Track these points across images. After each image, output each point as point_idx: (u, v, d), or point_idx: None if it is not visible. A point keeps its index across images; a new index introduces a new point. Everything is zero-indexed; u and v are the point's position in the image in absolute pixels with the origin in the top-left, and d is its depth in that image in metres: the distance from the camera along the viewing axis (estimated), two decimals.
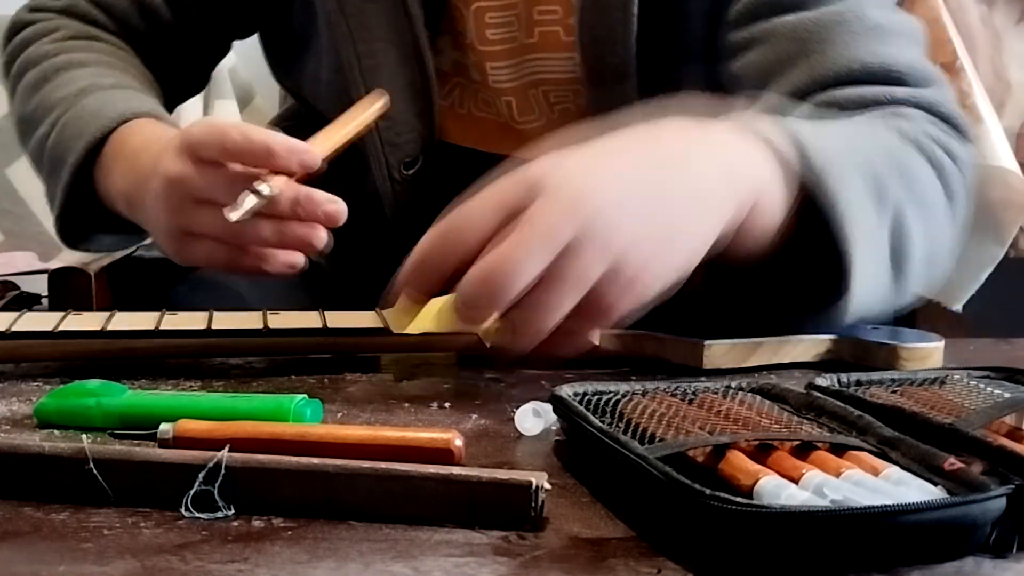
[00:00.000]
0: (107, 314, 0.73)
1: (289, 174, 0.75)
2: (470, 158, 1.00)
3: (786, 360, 0.75)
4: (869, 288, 0.66)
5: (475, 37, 0.95)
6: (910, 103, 0.79)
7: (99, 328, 0.70)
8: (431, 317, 0.76)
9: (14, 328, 0.70)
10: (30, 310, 0.90)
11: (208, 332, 0.71)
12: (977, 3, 1.09)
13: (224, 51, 1.11)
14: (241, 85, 1.80)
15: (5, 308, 1.09)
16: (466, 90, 0.99)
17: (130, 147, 0.86)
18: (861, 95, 0.78)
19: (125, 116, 0.88)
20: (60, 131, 0.91)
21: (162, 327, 0.71)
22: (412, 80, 0.94)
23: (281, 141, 0.74)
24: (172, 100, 1.06)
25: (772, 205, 0.64)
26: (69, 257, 1.21)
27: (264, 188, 0.73)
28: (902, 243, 0.69)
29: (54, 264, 1.18)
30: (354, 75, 0.94)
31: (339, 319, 0.74)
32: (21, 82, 0.99)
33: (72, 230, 0.92)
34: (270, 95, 1.73)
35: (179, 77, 1.07)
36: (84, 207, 0.90)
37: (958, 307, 1.11)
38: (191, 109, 1.73)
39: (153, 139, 0.85)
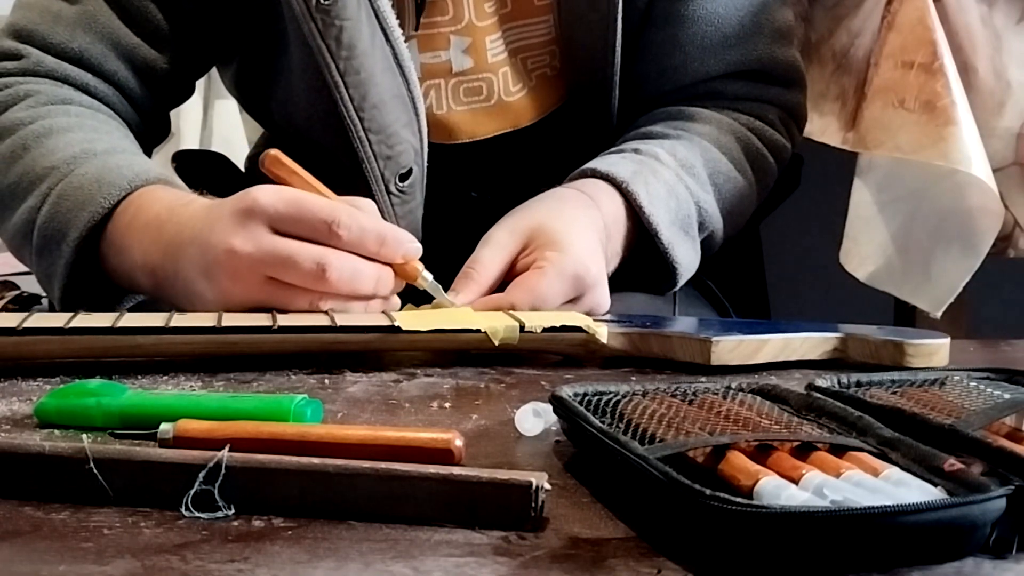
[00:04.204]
0: (116, 314, 0.73)
1: (390, 264, 0.78)
2: (456, 154, 1.01)
3: (793, 357, 0.75)
4: (685, 260, 0.95)
5: (474, 15, 0.97)
6: (773, 103, 1.05)
7: (110, 325, 0.70)
8: (441, 315, 0.76)
9: (24, 326, 0.69)
10: (29, 310, 0.90)
11: (220, 329, 0.71)
12: (977, 3, 1.09)
13: (189, 92, 1.07)
14: None
15: (5, 308, 1.09)
16: (441, 89, 0.99)
17: (148, 217, 0.81)
18: (739, 91, 1.03)
19: (134, 184, 0.82)
20: (56, 203, 0.84)
21: (172, 325, 0.71)
22: (397, 92, 0.93)
23: (391, 232, 0.77)
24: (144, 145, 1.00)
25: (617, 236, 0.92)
26: None
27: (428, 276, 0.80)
28: (698, 222, 0.96)
29: None
30: (340, 92, 0.92)
31: (348, 318, 0.74)
32: None
33: (71, 302, 0.86)
34: None
35: (150, 121, 1.03)
36: (84, 281, 0.85)
37: (937, 314, 1.11)
38: (191, 109, 1.73)
39: (177, 206, 0.81)
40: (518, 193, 0.92)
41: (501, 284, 0.82)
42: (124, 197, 0.82)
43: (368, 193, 0.94)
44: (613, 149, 0.98)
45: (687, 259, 0.95)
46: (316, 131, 0.99)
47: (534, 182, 0.95)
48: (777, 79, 1.05)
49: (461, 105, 1.00)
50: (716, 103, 1.03)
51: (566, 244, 0.82)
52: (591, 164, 0.94)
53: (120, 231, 0.82)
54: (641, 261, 0.94)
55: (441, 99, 1.00)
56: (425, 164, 0.97)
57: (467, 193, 1.05)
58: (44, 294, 1.13)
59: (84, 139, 0.88)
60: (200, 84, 1.77)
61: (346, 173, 0.96)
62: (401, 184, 0.96)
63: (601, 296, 0.84)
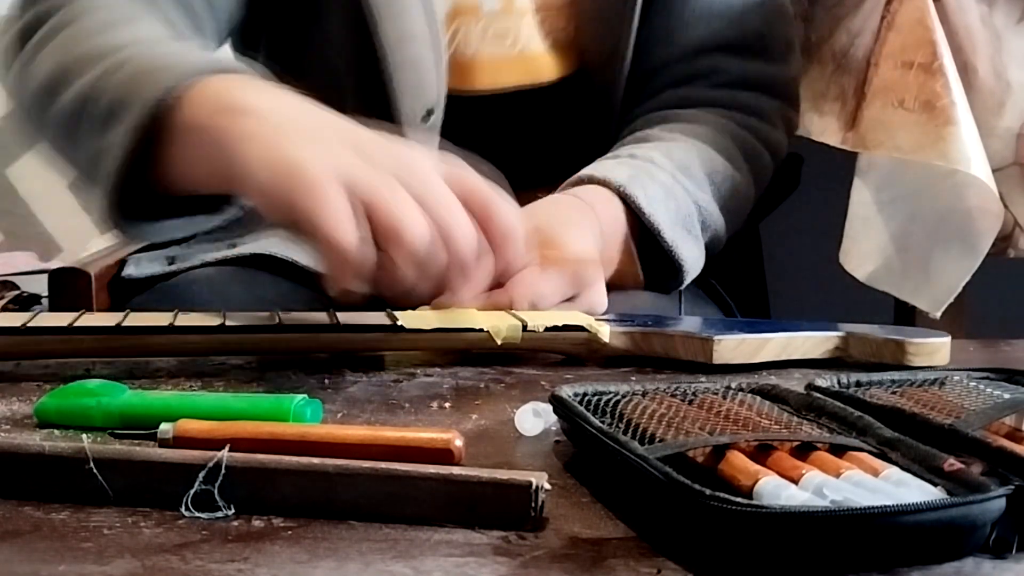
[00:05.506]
0: (121, 314, 0.73)
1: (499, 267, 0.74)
2: (468, 112, 1.02)
3: (795, 356, 0.75)
4: (690, 258, 0.95)
5: None
6: (769, 87, 1.06)
7: (114, 325, 0.70)
8: (443, 315, 0.76)
9: (28, 325, 0.70)
10: (29, 310, 0.90)
11: (224, 328, 0.71)
12: (977, 3, 1.10)
13: (220, 43, 1.04)
14: None
15: (5, 308, 1.09)
16: (470, 30, 1.01)
17: (234, 102, 0.73)
18: (735, 70, 1.04)
19: (205, 70, 0.75)
20: (133, 70, 0.77)
21: (177, 324, 0.71)
22: (425, 29, 0.95)
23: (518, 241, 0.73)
24: None
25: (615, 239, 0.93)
26: (69, 257, 1.21)
27: None
28: (699, 221, 0.97)
29: (54, 264, 1.18)
30: (376, 20, 0.93)
31: (350, 318, 0.74)
32: (47, 46, 0.84)
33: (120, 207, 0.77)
34: None
35: None
36: (140, 167, 0.76)
37: (937, 314, 1.12)
38: None
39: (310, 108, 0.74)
40: (524, 168, 0.94)
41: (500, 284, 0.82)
42: (216, 74, 0.75)
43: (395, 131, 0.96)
44: (609, 155, 0.99)
45: (692, 257, 0.95)
46: (347, 70, 1.00)
47: (540, 156, 0.98)
48: (772, 55, 1.07)
49: (487, 48, 1.02)
50: (714, 86, 1.05)
51: (563, 243, 0.83)
52: (587, 170, 0.94)
53: (196, 105, 0.74)
54: (646, 262, 0.95)
55: (468, 40, 1.01)
56: (443, 110, 0.99)
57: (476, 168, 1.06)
58: (43, 294, 1.13)
59: (152, 27, 0.86)
60: None
61: (374, 110, 0.97)
62: (424, 124, 0.98)
63: (598, 295, 0.84)
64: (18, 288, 1.19)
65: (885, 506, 0.40)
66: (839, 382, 0.59)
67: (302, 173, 0.66)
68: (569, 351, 0.77)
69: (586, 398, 0.55)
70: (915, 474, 0.45)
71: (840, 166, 1.20)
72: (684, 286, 0.98)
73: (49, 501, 0.46)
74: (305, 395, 0.57)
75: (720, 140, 1.01)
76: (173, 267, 0.97)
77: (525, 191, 0.92)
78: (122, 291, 1.00)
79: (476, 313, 0.77)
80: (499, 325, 0.73)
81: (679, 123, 1.02)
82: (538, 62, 1.03)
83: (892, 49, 1.10)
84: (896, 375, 0.60)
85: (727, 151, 1.01)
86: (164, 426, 0.51)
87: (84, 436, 0.51)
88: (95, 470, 0.46)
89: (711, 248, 1.00)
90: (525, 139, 1.04)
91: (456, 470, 0.45)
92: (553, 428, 0.57)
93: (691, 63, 1.05)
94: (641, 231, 0.93)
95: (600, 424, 0.50)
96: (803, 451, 0.47)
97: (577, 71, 1.04)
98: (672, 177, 0.95)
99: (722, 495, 0.40)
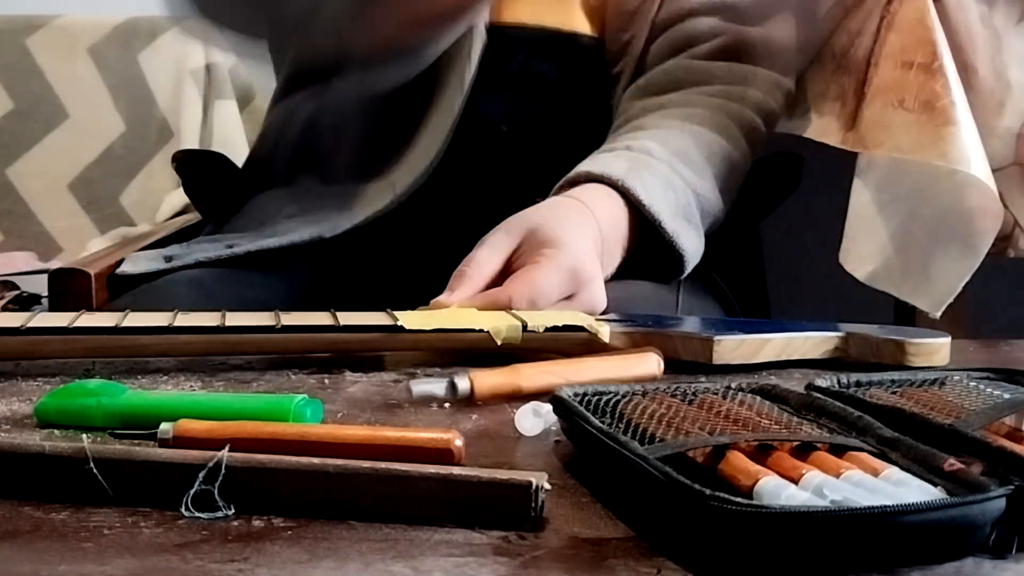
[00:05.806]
0: (121, 314, 0.73)
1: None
2: (517, 43, 1.06)
3: (795, 356, 0.75)
4: (691, 248, 0.96)
5: None
6: (754, 45, 1.08)
7: (114, 325, 0.70)
8: (444, 315, 0.76)
9: (28, 326, 0.70)
10: (29, 310, 0.90)
11: (223, 329, 0.71)
12: (977, 3, 1.09)
13: None
14: (241, 85, 1.80)
15: (5, 308, 1.09)
16: None
17: None
18: (729, 35, 1.07)
19: None
20: None
21: (176, 325, 0.71)
22: None
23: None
24: None
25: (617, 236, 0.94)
26: (69, 257, 1.20)
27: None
28: (698, 210, 0.98)
29: (54, 264, 1.18)
30: None
31: (350, 318, 0.74)
32: None
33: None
34: (270, 95, 1.73)
35: None
36: None
37: (937, 314, 1.12)
38: (191, 109, 1.73)
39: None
40: (543, 134, 0.97)
41: (498, 284, 0.83)
42: None
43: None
44: (604, 148, 0.99)
45: (692, 246, 0.96)
46: None
47: (558, 125, 1.02)
48: (766, 21, 1.09)
49: None
50: (709, 55, 1.07)
51: (561, 242, 0.84)
52: (584, 167, 0.95)
53: None
54: (648, 252, 0.95)
55: None
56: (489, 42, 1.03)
57: (498, 127, 1.06)
58: (43, 294, 1.13)
59: None
60: (200, 84, 1.77)
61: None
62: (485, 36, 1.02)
63: (597, 293, 0.85)
64: (18, 288, 1.19)
65: (885, 506, 0.40)
66: (839, 382, 0.59)
67: None
68: (569, 352, 0.77)
69: (586, 398, 0.55)
70: (915, 474, 0.45)
71: (840, 166, 1.19)
72: (684, 276, 0.98)
73: (49, 501, 0.46)
74: (305, 395, 0.57)
75: (716, 119, 1.03)
76: (168, 265, 0.97)
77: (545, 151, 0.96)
78: (116, 288, 1.01)
79: (476, 313, 0.77)
80: (499, 326, 0.73)
81: (674, 108, 1.03)
82: (576, 13, 1.06)
83: (892, 49, 1.10)
84: (896, 375, 0.60)
85: (725, 130, 1.03)
86: (164, 426, 0.51)
87: (84, 436, 0.51)
88: (95, 470, 0.46)
89: (710, 232, 1.01)
90: (554, 91, 1.07)
91: (456, 470, 0.45)
92: (553, 428, 0.57)
93: (689, 24, 1.07)
94: (641, 223, 0.93)
95: (600, 424, 0.50)
96: (803, 451, 0.47)
97: (599, 40, 1.08)
98: (669, 166, 0.96)
99: (722, 495, 0.40)
